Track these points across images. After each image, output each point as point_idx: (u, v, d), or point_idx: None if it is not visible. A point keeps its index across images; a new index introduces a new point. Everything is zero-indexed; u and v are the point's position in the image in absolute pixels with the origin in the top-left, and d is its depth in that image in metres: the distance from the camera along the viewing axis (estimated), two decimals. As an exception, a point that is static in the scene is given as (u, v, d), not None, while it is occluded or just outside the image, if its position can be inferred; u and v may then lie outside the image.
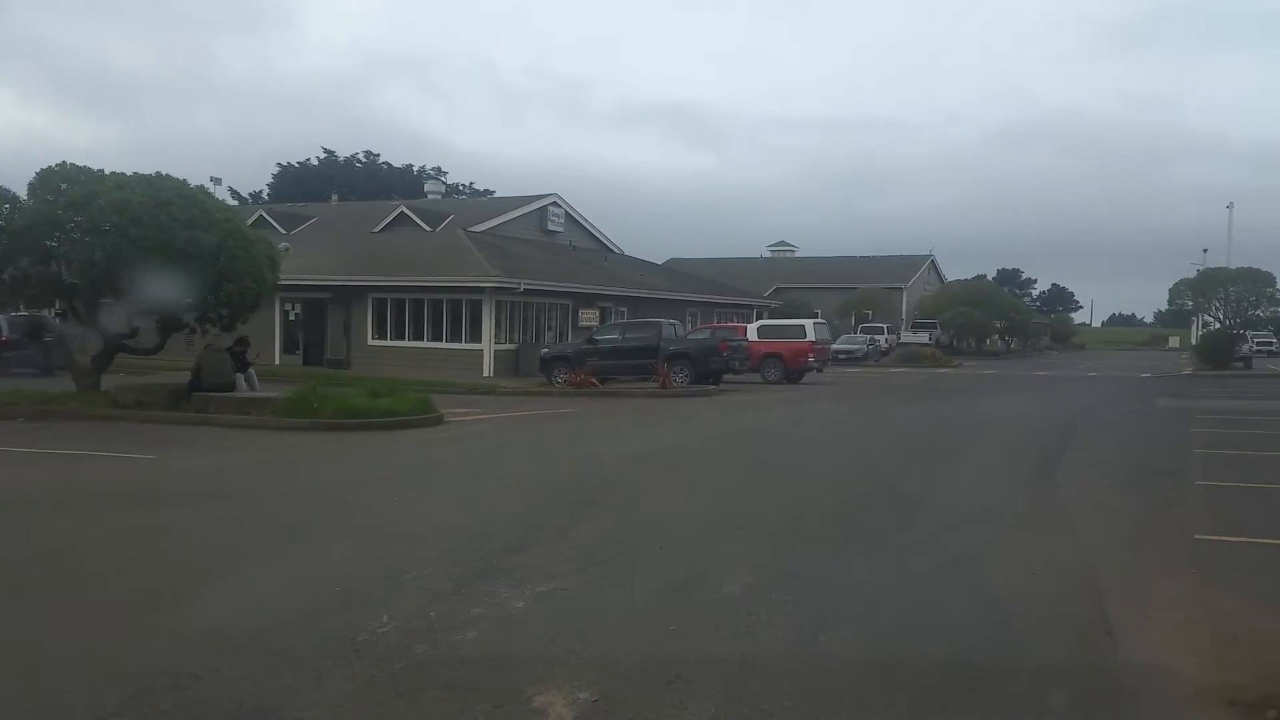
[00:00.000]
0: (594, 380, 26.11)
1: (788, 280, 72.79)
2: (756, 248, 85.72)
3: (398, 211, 38.13)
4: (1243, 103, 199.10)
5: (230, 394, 17.70)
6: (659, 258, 62.47)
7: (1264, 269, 38.35)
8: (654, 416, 19.61)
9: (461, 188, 69.24)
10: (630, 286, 38.04)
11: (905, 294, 70.22)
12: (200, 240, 18.01)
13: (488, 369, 30.62)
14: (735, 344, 28.76)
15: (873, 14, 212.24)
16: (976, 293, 65.55)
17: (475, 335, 31.21)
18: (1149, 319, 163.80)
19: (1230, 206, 42.52)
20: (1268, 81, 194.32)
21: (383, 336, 32.77)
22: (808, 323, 32.93)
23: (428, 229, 36.68)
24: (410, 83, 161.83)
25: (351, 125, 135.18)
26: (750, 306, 48.91)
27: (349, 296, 32.81)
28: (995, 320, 65.70)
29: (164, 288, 17.70)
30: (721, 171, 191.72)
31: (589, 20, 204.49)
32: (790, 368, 31.83)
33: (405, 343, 32.17)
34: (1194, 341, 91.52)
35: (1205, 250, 56.20)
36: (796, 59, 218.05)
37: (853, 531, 8.03)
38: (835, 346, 50.33)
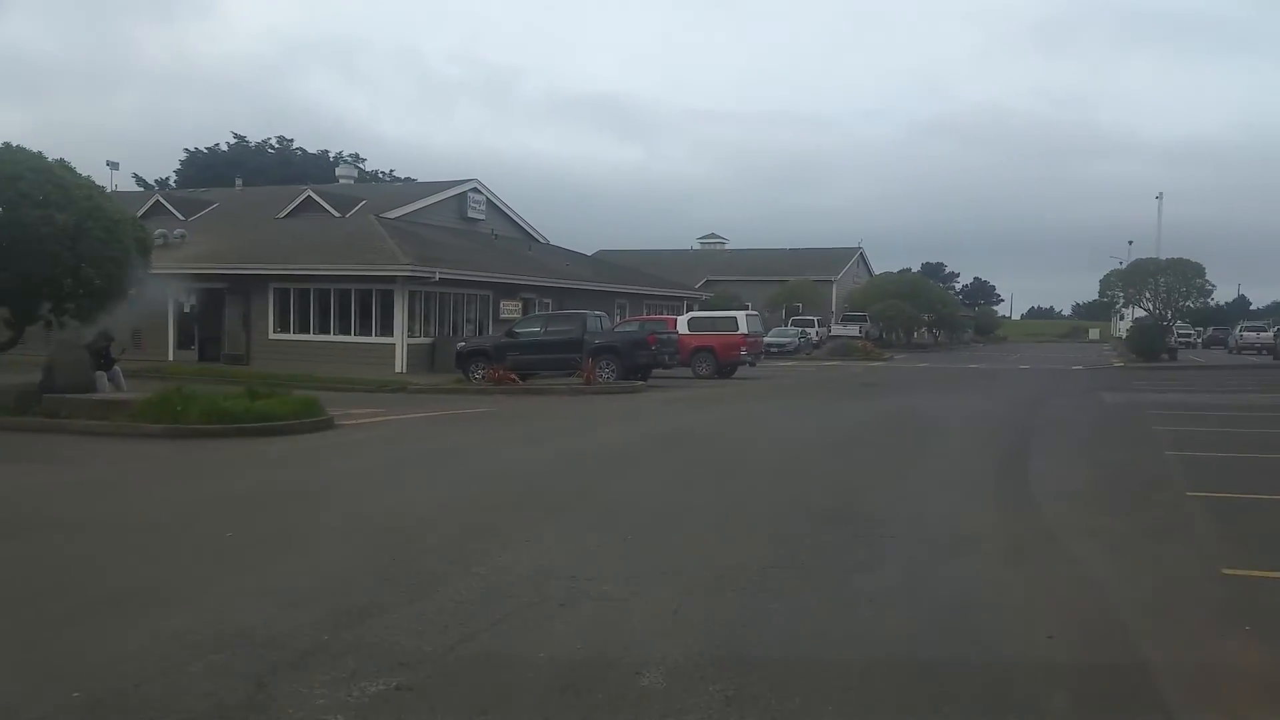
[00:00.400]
0: (514, 376, 24.16)
1: (718, 272, 71.52)
2: (686, 240, 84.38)
3: (304, 196, 35.53)
4: (1154, 102, 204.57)
5: (87, 396, 15.35)
6: (588, 250, 60.85)
7: (1193, 260, 37.98)
8: (576, 417, 17.77)
9: (381, 175, 66.30)
10: (555, 277, 36.09)
11: (835, 287, 69.40)
12: (54, 219, 15.70)
13: (400, 364, 28.43)
14: (664, 337, 27.04)
15: (796, 10, 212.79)
16: (905, 285, 65.01)
17: (387, 328, 28.98)
18: (1066, 311, 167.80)
19: (1159, 198, 42.20)
20: (1176, 83, 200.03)
21: (285, 330, 30.32)
22: (739, 314, 31.38)
23: (337, 215, 34.20)
24: (333, 70, 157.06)
25: (273, 113, 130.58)
26: (680, 299, 47.43)
27: (249, 286, 30.26)
28: (923, 313, 65.23)
29: (10, 273, 15.46)
30: (650, 164, 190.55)
31: (516, 8, 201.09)
32: (722, 361, 30.25)
33: (310, 336, 29.78)
34: (1114, 334, 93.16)
35: (1130, 242, 56.45)
36: (721, 53, 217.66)
37: (809, 576, 6.29)
38: (767, 340, 48.97)
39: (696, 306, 46.91)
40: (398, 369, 28.16)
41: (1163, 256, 40.72)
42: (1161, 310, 39.07)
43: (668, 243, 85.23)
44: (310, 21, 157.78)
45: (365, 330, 29.32)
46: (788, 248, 75.81)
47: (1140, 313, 46.56)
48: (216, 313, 31.06)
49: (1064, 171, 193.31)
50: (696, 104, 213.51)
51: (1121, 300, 39.72)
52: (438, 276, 28.36)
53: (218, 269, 30.07)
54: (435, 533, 7.36)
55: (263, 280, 30.18)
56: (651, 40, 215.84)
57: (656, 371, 27.00)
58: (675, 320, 31.67)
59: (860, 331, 58.15)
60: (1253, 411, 17.68)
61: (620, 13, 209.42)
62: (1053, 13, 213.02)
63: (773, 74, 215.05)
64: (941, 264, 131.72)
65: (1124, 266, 41.92)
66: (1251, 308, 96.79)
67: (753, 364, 31.28)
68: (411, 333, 29.03)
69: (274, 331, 30.44)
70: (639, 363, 25.61)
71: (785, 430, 15.08)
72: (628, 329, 29.60)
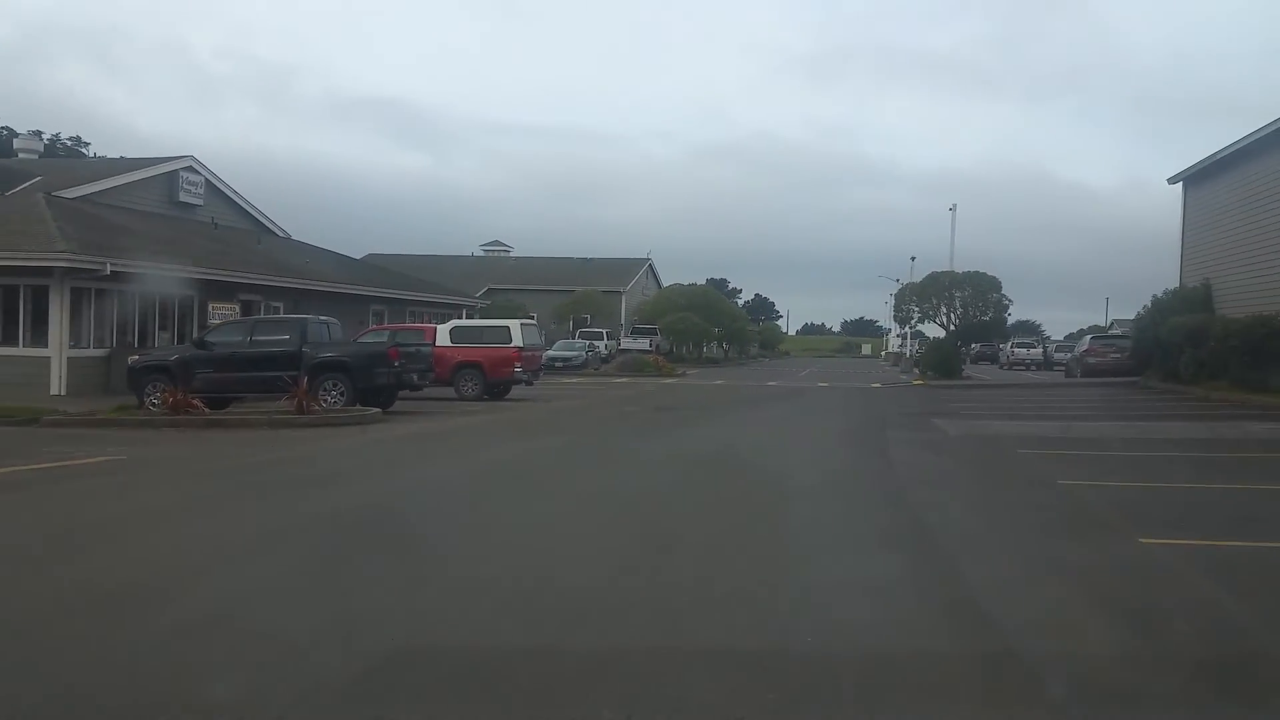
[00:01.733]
0: (197, 402, 17.45)
1: (502, 281, 65.80)
2: (471, 249, 77.78)
3: (-50, 167, 26.93)
4: (910, 135, 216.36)
5: None
6: (363, 255, 53.91)
7: (988, 273, 35.84)
8: (251, 472, 11.61)
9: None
10: (293, 276, 29.19)
11: (624, 298, 65.21)
12: None
13: (58, 384, 20.93)
14: (414, 350, 20.99)
15: (587, 30, 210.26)
16: (695, 298, 61.38)
17: (42, 337, 21.33)
18: (836, 328, 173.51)
19: (953, 209, 40.12)
20: (929, 118, 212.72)
21: (-100, 338, 21.99)
22: (513, 324, 25.71)
23: (-7, 191, 25.90)
24: (85, 60, 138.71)
25: (13, 104, 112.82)
26: (458, 306, 41.53)
27: None
28: (714, 326, 61.88)
29: None
30: (437, 172, 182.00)
31: (292, 3, 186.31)
32: (491, 380, 24.57)
33: (-67, 348, 21.63)
34: (887, 349, 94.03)
35: (914, 258, 55.17)
36: (514, 67, 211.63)
37: None
38: (551, 353, 43.77)
39: (477, 314, 41.07)
40: (55, 390, 20.70)
41: (947, 272, 38.41)
42: (958, 324, 36.70)
43: (452, 250, 77.94)
44: (58, 7, 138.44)
45: (11, 339, 21.55)
46: (576, 257, 71.04)
47: (926, 328, 44.99)
48: None
49: (833, 197, 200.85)
50: (487, 114, 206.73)
51: (918, 314, 37.07)
52: (109, 269, 21.04)
53: None
54: None
55: None
56: (440, 47, 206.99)
57: (408, 394, 20.98)
58: (435, 330, 25.63)
59: (651, 345, 53.95)
60: (1148, 450, 13.81)
61: (405, 16, 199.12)
62: (821, 48, 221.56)
63: (564, 90, 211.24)
64: (725, 280, 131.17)
65: (916, 282, 39.41)
66: (1009, 324, 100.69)
67: (529, 382, 25.75)
68: (77, 342, 21.55)
69: (-115, 341, 22.03)
70: (377, 383, 19.44)
71: (554, 509, 9.54)
72: (370, 340, 23.34)
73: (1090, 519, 8.41)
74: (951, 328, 37.18)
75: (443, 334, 25.14)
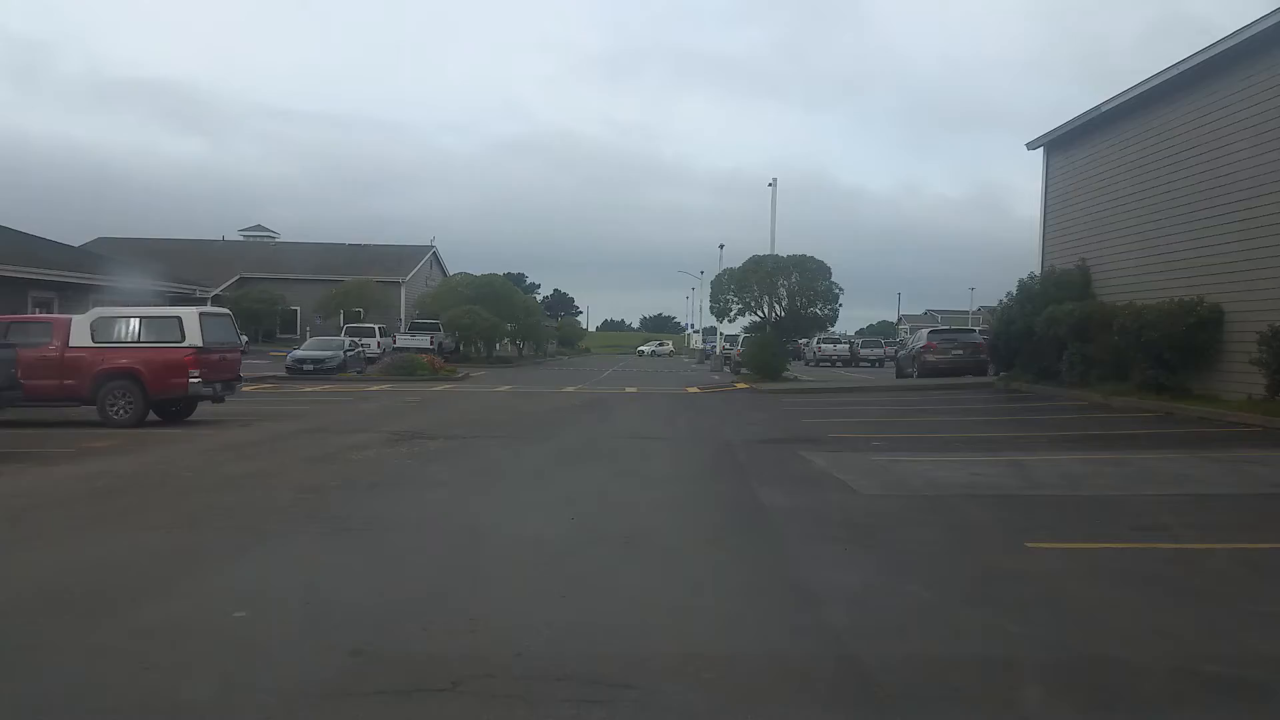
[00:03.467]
0: None
1: (258, 269, 55.43)
2: (226, 233, 66.07)
3: None
4: (702, 138, 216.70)
5: None
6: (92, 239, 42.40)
7: (816, 258, 30.33)
8: None
9: None
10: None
11: (404, 289, 56.33)
12: None
13: None
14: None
15: (378, 18, 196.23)
16: (485, 289, 53.18)
17: None
18: (636, 324, 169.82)
19: (773, 184, 34.60)
20: (722, 122, 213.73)
21: None
22: (188, 313, 17.03)
23: None
24: None
25: None
26: (184, 296, 31.95)
27: None
28: (506, 321, 54.08)
29: None
30: (212, 158, 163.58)
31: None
32: (156, 395, 16.18)
33: None
34: (689, 346, 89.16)
35: (722, 246, 49.58)
36: (297, 52, 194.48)
37: None
38: (299, 354, 34.91)
39: (230, 309, 31.62)
40: None
41: (771, 255, 32.72)
42: (783, 316, 30.95)
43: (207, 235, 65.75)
44: None
45: None
46: (349, 243, 61.40)
47: (729, 327, 39.48)
48: None
49: (632, 194, 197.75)
50: (269, 100, 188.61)
51: (737, 306, 31.08)
52: None
53: None
54: None
55: None
56: (221, 30, 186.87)
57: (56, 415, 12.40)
58: (70, 322, 16.74)
59: (432, 342, 45.67)
60: (1249, 536, 7.67)
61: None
62: (616, 48, 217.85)
63: (355, 79, 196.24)
64: (523, 275, 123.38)
65: (735, 268, 33.45)
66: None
67: (219, 398, 17.39)
68: None
69: None
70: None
71: None
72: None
73: None
74: (776, 319, 31.41)
75: (81, 328, 16.35)
